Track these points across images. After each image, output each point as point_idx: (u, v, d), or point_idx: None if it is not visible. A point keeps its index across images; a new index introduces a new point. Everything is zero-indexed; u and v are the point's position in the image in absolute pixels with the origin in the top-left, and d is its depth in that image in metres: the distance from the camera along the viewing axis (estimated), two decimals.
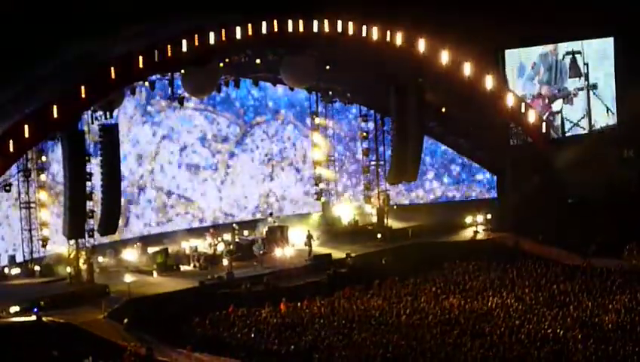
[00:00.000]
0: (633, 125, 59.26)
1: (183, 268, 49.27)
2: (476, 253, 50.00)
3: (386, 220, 54.46)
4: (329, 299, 44.67)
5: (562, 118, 58.76)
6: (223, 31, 46.35)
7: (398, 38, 50.28)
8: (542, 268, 47.72)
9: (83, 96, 43.68)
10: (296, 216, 56.01)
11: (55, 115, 42.94)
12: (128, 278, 45.34)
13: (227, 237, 50.99)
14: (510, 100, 54.22)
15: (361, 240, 52.62)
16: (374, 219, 54.90)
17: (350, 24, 49.11)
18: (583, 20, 56.14)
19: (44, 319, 40.81)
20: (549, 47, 57.85)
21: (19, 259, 48.27)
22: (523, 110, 55.03)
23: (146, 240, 51.01)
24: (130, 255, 49.61)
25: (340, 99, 55.89)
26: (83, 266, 46.45)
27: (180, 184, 54.18)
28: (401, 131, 53.06)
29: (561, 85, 58.51)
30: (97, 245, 47.96)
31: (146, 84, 48.87)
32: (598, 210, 53.27)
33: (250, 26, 46.79)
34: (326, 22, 48.42)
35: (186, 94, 50.14)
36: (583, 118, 59.29)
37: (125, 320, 41.30)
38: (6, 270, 47.66)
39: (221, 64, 48.98)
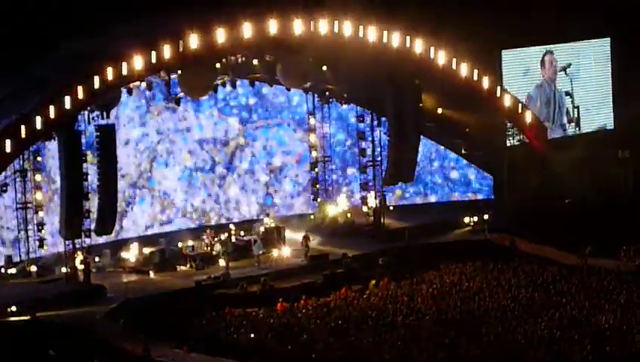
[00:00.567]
0: (629, 126, 59.42)
1: (179, 268, 49.30)
2: (472, 254, 50.01)
3: (382, 220, 54.49)
4: (325, 300, 44.69)
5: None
6: (223, 31, 46.39)
7: (395, 39, 50.36)
8: (538, 269, 47.76)
9: (80, 96, 43.71)
10: (292, 217, 56.02)
11: (52, 115, 42.95)
12: (125, 278, 45.30)
13: (224, 237, 50.99)
14: (507, 101, 54.29)
15: (357, 241, 52.64)
16: (371, 220, 54.90)
17: (348, 24, 49.18)
18: (580, 20, 56.28)
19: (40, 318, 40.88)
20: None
21: (15, 259, 48.22)
22: (520, 111, 55.11)
23: (142, 241, 50.99)
24: (127, 255, 49.61)
25: (337, 99, 55.90)
26: (80, 266, 46.45)
27: (176, 185, 54.11)
28: (398, 132, 53.11)
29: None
30: (94, 245, 47.99)
31: (143, 84, 48.90)
32: (595, 210, 53.40)
33: (252, 26, 46.92)
34: (324, 22, 48.52)
35: (182, 95, 50.15)
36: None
37: (121, 321, 41.29)
38: (2, 270, 47.67)
39: (218, 65, 49.02)
